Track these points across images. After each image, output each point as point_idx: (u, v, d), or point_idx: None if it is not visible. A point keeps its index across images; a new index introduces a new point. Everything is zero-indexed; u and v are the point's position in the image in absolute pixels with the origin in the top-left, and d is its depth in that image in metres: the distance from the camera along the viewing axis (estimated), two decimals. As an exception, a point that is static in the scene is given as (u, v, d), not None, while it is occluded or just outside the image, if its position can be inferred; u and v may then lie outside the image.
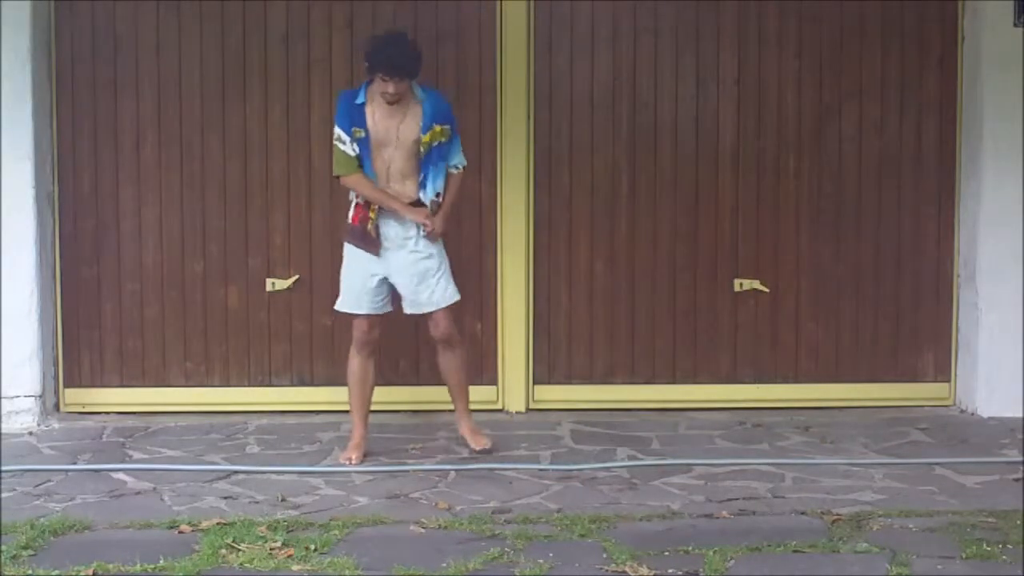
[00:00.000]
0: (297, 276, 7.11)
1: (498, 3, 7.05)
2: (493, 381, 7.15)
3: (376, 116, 6.06)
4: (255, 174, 7.09)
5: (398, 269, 6.14)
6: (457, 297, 6.25)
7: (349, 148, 6.07)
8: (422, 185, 6.14)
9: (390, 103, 6.03)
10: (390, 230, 6.12)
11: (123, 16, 7.00)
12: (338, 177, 6.20)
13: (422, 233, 6.10)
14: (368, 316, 6.19)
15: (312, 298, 7.10)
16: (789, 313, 7.26)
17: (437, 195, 6.15)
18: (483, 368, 7.16)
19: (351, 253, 6.20)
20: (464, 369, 6.38)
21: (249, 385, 7.14)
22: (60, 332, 7.05)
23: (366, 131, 6.06)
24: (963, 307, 7.22)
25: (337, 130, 6.12)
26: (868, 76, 7.18)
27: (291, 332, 7.12)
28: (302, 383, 7.14)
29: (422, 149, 6.08)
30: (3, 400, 6.76)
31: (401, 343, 7.09)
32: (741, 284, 7.22)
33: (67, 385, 7.09)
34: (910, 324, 7.29)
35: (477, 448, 6.26)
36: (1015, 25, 6.70)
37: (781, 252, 7.24)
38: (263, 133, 7.05)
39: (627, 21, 7.13)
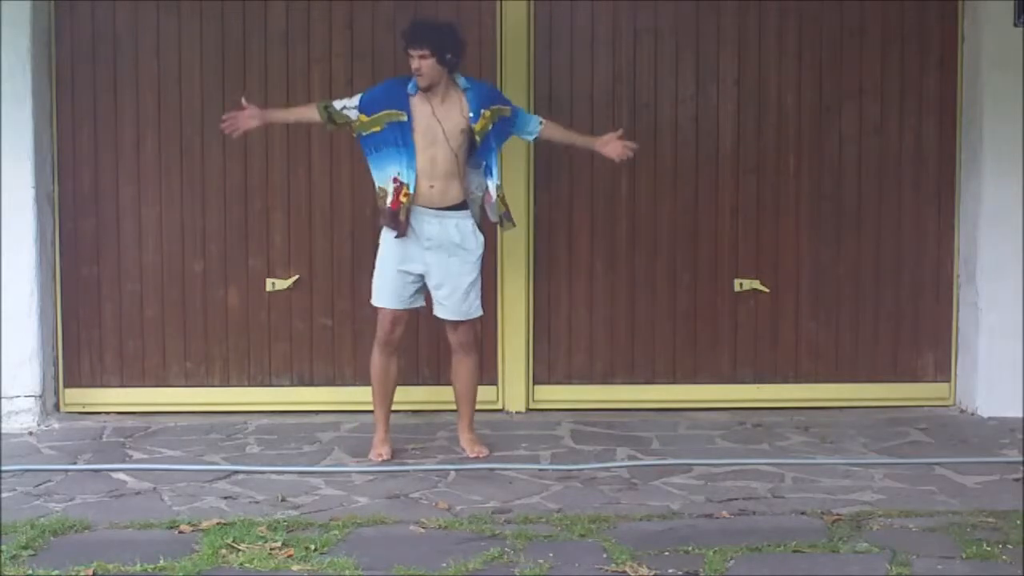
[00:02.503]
0: (297, 276, 7.11)
1: (498, 3, 7.05)
2: (493, 381, 7.15)
3: (422, 109, 5.95)
4: (255, 174, 7.09)
5: (440, 272, 6.06)
6: (482, 312, 6.24)
7: (337, 105, 6.04)
8: (487, 172, 6.05)
9: (422, 88, 5.91)
10: (432, 229, 6.01)
11: (123, 16, 7.00)
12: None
13: (477, 239, 6.09)
14: (393, 311, 6.10)
15: (312, 298, 7.10)
16: (789, 313, 7.26)
17: (498, 187, 6.09)
18: (483, 368, 7.11)
19: (386, 243, 6.08)
20: (475, 379, 6.31)
21: (249, 385, 7.14)
22: (60, 332, 7.05)
23: (409, 115, 5.93)
24: (963, 307, 7.22)
25: (352, 98, 6.06)
26: (868, 76, 7.18)
27: (291, 332, 7.12)
28: (302, 383, 7.14)
29: (478, 139, 5.98)
30: (3, 400, 6.76)
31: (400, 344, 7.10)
32: (741, 284, 7.23)
33: (67, 385, 7.09)
34: (910, 324, 7.30)
35: (471, 455, 6.23)
36: (1015, 25, 6.70)
37: (781, 252, 7.24)
38: (263, 133, 7.03)
39: (627, 21, 7.14)
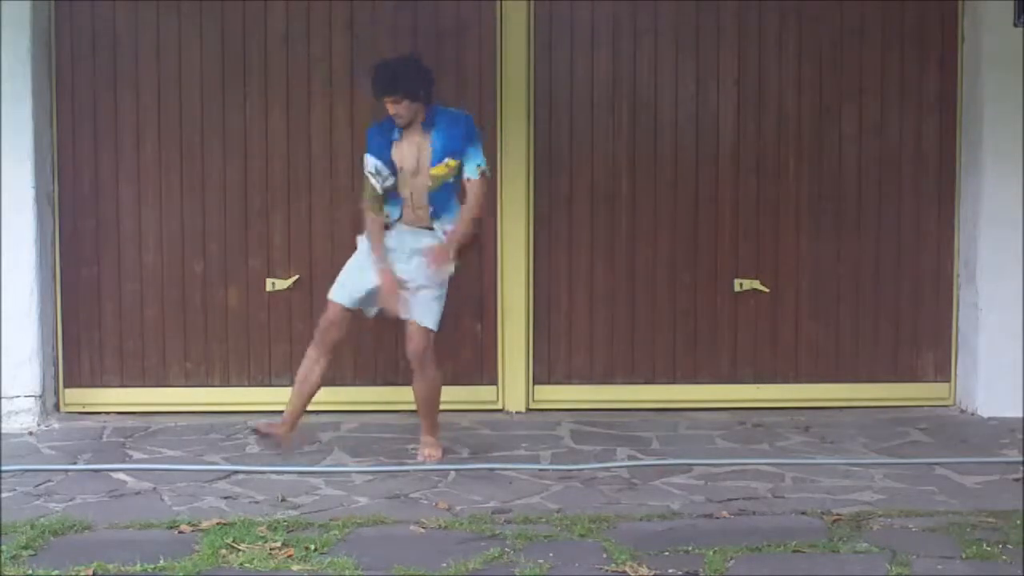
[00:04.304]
0: (297, 276, 7.11)
1: (498, 3, 7.05)
2: (493, 381, 7.15)
3: (403, 147, 6.05)
4: (255, 174, 7.09)
5: (406, 271, 6.07)
6: (433, 327, 6.07)
7: (378, 183, 6.06)
8: (434, 216, 6.11)
9: (400, 126, 6.02)
10: (407, 241, 6.09)
11: (123, 16, 7.00)
12: (367, 211, 6.15)
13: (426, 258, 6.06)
14: (339, 306, 6.10)
15: (312, 298, 7.09)
16: (789, 313, 7.26)
17: (444, 232, 6.10)
18: (483, 368, 7.16)
19: (362, 246, 6.17)
20: (431, 395, 6.18)
21: (249, 385, 7.14)
22: (60, 332, 7.05)
23: (392, 163, 6.05)
24: (963, 307, 7.22)
25: (370, 160, 6.07)
26: (868, 76, 7.18)
27: (291, 332, 7.12)
28: (302, 383, 7.13)
29: (431, 183, 6.04)
30: (3, 400, 6.76)
31: (401, 343, 7.09)
32: (741, 284, 7.23)
33: (67, 385, 7.09)
34: (910, 324, 7.30)
35: (419, 458, 6.16)
36: (1015, 25, 6.70)
37: (781, 252, 7.24)
38: (263, 133, 7.05)
39: (627, 21, 7.14)
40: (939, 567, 4.70)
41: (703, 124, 7.18)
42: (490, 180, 6.24)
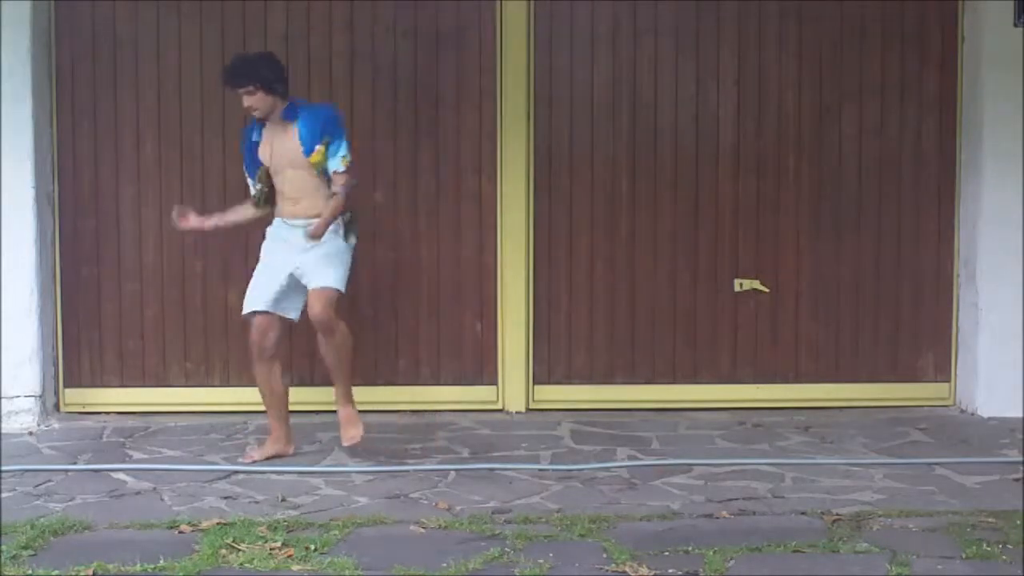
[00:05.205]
0: (297, 276, 7.10)
1: (498, 3, 7.05)
2: (493, 381, 7.15)
3: (267, 143, 6.07)
4: (255, 174, 7.08)
5: (303, 264, 6.03)
6: (336, 285, 5.99)
7: (252, 185, 6.19)
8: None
9: (259, 119, 6.05)
10: (293, 236, 6.05)
11: (123, 16, 7.00)
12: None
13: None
14: (257, 314, 6.09)
15: (312, 298, 7.09)
16: (789, 313, 7.26)
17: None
18: (483, 368, 7.16)
19: (265, 250, 6.19)
20: (340, 354, 6.09)
21: (249, 385, 7.08)
22: (60, 332, 7.05)
23: (256, 161, 6.14)
24: (963, 307, 7.22)
25: (245, 166, 6.23)
26: (868, 76, 7.18)
27: (291, 332, 7.10)
28: (302, 383, 7.12)
29: (316, 170, 6.02)
30: (3, 400, 6.76)
31: (402, 343, 7.11)
32: (741, 284, 7.23)
33: (67, 385, 7.09)
34: (910, 324, 7.30)
35: (344, 443, 6.14)
36: (1015, 25, 6.71)
37: (781, 252, 7.24)
38: (263, 133, 7.05)
39: (627, 21, 7.14)
40: (939, 567, 4.70)
41: (703, 124, 7.18)
42: (353, 169, 6.07)
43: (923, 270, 7.28)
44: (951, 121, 7.20)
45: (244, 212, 6.28)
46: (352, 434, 6.12)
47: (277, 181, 6.11)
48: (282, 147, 6.04)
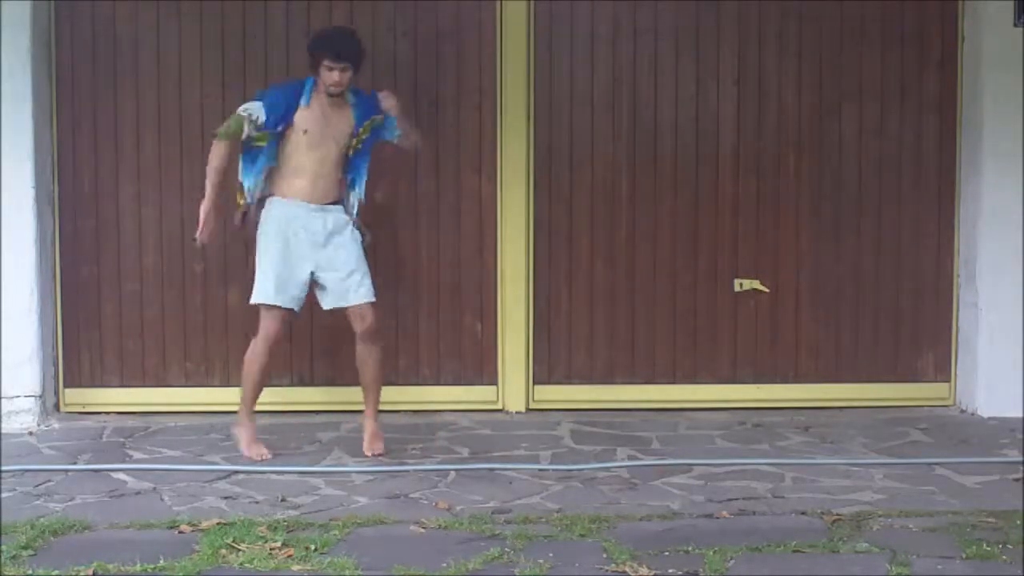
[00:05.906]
0: (297, 276, 7.10)
1: (498, 3, 7.05)
2: (493, 381, 7.15)
3: (314, 116, 6.09)
4: (255, 174, 7.08)
5: (326, 263, 6.13)
6: (373, 297, 6.20)
7: (251, 127, 6.06)
8: (351, 185, 6.23)
9: (333, 95, 6.07)
10: (315, 224, 6.11)
11: (123, 16, 7.00)
12: (215, 137, 6.17)
13: (353, 222, 6.19)
14: (286, 311, 6.17)
15: (312, 298, 7.08)
16: (789, 313, 7.27)
17: (360, 200, 6.25)
18: (483, 368, 7.16)
19: (272, 244, 6.18)
20: (380, 367, 6.29)
21: (249, 385, 7.13)
22: (60, 332, 7.05)
23: (290, 125, 6.08)
24: (963, 307, 7.22)
25: (257, 107, 6.07)
26: (868, 76, 7.18)
27: (291, 332, 7.11)
28: (302, 383, 7.14)
29: (356, 143, 6.14)
30: (3, 400, 6.76)
31: (402, 343, 7.11)
32: (741, 284, 7.23)
33: (67, 385, 7.09)
34: (910, 324, 7.30)
35: (368, 453, 6.20)
36: (1015, 25, 6.71)
37: (781, 252, 7.24)
38: (263, 133, 7.04)
39: (627, 21, 7.14)
40: (939, 567, 4.70)
41: (703, 124, 7.18)
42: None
43: (923, 270, 7.28)
44: (951, 121, 7.20)
45: (226, 160, 6.17)
46: (377, 447, 6.22)
47: (308, 157, 6.10)
48: (338, 122, 6.11)
